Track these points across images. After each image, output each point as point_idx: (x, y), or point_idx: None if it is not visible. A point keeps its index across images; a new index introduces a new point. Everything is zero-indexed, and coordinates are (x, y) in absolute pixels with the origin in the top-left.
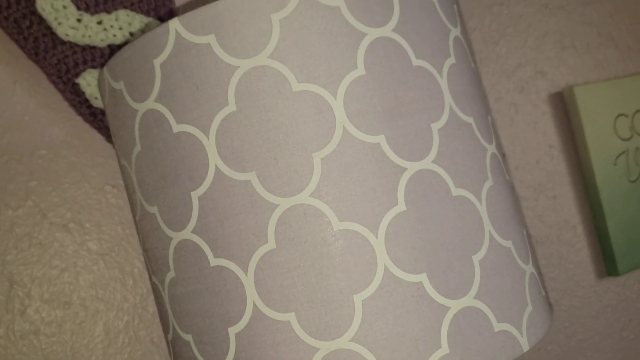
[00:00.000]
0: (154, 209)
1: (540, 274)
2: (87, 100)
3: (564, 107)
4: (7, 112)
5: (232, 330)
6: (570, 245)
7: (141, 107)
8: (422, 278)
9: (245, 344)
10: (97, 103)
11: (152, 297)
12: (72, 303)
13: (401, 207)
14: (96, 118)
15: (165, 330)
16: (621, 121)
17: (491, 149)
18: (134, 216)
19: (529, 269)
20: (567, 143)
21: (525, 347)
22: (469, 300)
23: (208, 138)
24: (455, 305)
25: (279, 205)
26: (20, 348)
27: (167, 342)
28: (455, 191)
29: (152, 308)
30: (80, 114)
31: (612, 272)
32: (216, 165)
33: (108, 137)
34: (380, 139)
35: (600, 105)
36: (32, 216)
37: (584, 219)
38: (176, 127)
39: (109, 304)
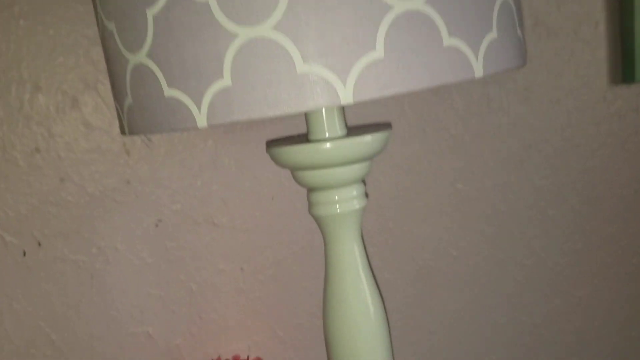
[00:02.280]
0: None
1: (520, 16)
2: None
3: None
4: None
5: (150, 12)
6: (586, 42)
7: None
8: None
9: (163, 27)
10: None
11: None
12: None
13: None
14: None
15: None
16: None
17: None
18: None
19: None
20: None
21: (478, 73)
22: (417, 2)
23: None
24: (399, 5)
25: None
26: None
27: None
28: None
29: None
30: None
31: (628, 78)
32: None
33: None
34: None
35: None
36: None
37: (608, 16)
38: None
39: None
